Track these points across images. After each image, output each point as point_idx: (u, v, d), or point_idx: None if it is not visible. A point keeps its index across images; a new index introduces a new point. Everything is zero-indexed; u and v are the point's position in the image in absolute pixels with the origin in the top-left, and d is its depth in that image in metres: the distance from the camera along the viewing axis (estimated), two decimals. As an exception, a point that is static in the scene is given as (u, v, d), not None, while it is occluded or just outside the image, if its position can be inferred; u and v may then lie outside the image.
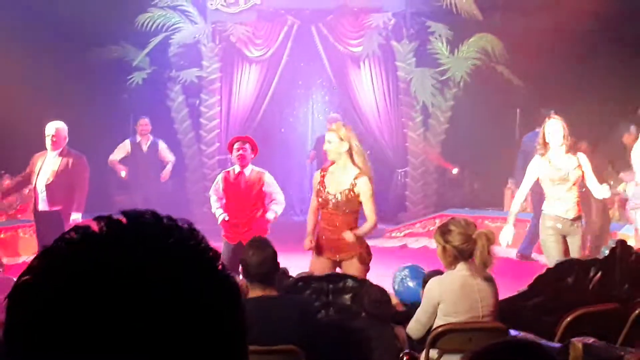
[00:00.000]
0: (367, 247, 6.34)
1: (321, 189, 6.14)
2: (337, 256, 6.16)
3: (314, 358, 4.15)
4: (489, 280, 4.73)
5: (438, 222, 12.32)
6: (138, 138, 11.37)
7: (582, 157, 7.04)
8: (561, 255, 6.80)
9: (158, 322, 0.83)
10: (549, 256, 7.01)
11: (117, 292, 0.83)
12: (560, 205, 6.98)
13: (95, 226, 0.90)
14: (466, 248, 4.64)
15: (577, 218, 7.03)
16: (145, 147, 11.36)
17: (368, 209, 6.18)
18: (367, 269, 6.18)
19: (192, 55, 13.26)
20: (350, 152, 6.16)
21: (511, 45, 12.56)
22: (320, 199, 6.16)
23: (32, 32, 11.39)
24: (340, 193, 6.08)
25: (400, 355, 4.17)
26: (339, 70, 13.39)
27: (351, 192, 6.09)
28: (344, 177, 6.13)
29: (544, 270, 5.74)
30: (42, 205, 8.37)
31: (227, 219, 7.40)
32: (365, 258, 6.23)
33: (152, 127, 11.63)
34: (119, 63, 12.87)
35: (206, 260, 0.91)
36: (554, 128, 7.02)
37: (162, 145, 11.41)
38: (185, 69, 13.21)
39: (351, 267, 6.06)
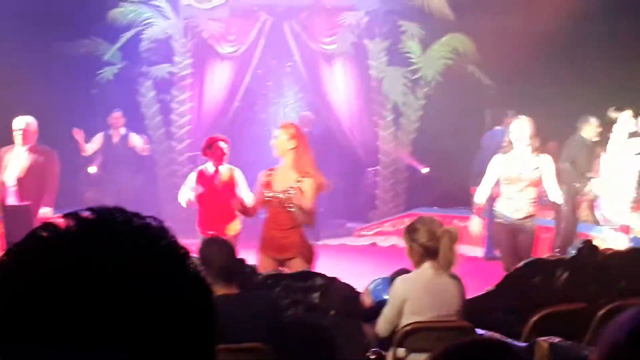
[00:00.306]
0: (310, 246, 6.39)
1: (265, 188, 6.17)
2: (282, 255, 6.18)
3: (281, 356, 4.14)
4: (455, 279, 4.76)
5: (407, 221, 12.32)
6: (110, 131, 11.33)
7: (546, 159, 7.14)
8: (510, 250, 7.09)
9: (125, 320, 0.82)
10: (503, 255, 7.34)
11: (84, 291, 0.82)
12: (510, 204, 7.11)
13: (64, 223, 0.89)
14: (432, 245, 4.68)
15: (527, 218, 7.13)
16: (116, 140, 11.32)
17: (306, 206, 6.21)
18: (311, 268, 6.20)
19: (163, 51, 13.18)
20: (297, 151, 6.19)
21: (482, 45, 12.64)
22: (266, 197, 6.17)
23: (0, 26, 11.25)
24: (285, 191, 6.13)
25: (368, 353, 4.18)
26: (311, 68, 13.38)
27: (296, 191, 6.13)
28: (290, 176, 6.19)
29: (511, 270, 5.78)
30: (11, 200, 8.29)
31: (192, 199, 7.40)
32: (309, 256, 6.27)
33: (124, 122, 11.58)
34: (90, 58, 12.76)
35: (176, 258, 0.91)
36: (521, 128, 7.10)
37: (133, 137, 11.36)
38: (156, 65, 13.12)
39: (295, 265, 6.08)
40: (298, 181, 6.14)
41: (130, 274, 0.84)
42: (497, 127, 10.57)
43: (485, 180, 7.28)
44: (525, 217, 7.12)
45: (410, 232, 4.79)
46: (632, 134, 7.95)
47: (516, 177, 7.06)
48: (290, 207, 6.12)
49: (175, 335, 0.85)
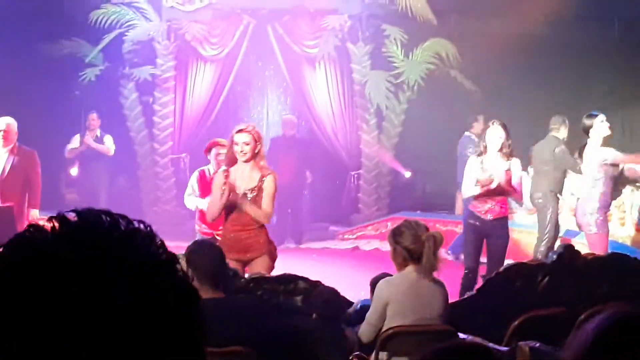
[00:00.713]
0: (274, 244, 6.42)
1: (225, 188, 6.10)
2: (247, 255, 6.17)
3: (264, 359, 4.14)
4: (438, 283, 4.77)
5: (390, 225, 12.39)
6: (87, 133, 11.35)
7: (515, 163, 7.43)
8: (477, 254, 7.52)
9: (110, 325, 0.82)
10: (466, 253, 7.74)
11: (68, 295, 0.82)
12: (481, 206, 7.40)
13: (50, 226, 0.88)
14: (415, 249, 4.70)
15: (499, 219, 7.37)
16: (92, 143, 11.36)
17: (266, 203, 6.19)
18: (273, 267, 6.21)
19: (146, 53, 13.13)
20: (259, 153, 6.20)
21: (465, 50, 12.69)
22: (228, 201, 6.12)
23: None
24: (249, 191, 6.12)
25: (350, 357, 4.18)
26: (294, 71, 13.37)
27: (259, 190, 6.14)
28: (253, 176, 6.18)
29: (492, 275, 5.81)
30: None
31: (199, 206, 7.37)
32: (274, 254, 6.30)
33: (104, 124, 11.57)
34: (72, 59, 12.70)
35: (163, 263, 0.91)
36: (495, 134, 7.39)
37: (107, 138, 11.40)
38: (139, 67, 13.07)
39: (261, 264, 6.10)
40: (262, 180, 6.14)
41: (116, 279, 0.84)
42: (466, 133, 10.70)
43: (466, 181, 7.53)
44: (495, 219, 7.36)
45: (395, 234, 4.82)
46: (606, 139, 8.04)
47: (488, 178, 7.29)
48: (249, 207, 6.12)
49: (162, 340, 0.85)
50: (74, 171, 11.60)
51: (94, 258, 0.84)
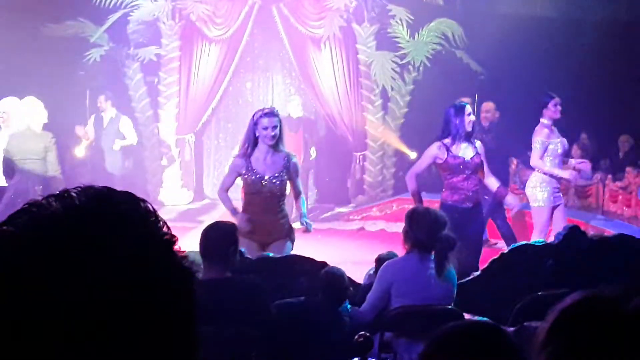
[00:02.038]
0: (293, 227, 6.39)
1: (250, 174, 6.08)
2: (270, 238, 6.14)
3: (268, 339, 4.15)
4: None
5: (395, 206, 12.39)
6: (101, 113, 11.46)
7: (480, 145, 7.04)
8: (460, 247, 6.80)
9: (102, 302, 0.82)
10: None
11: (62, 271, 0.82)
12: (457, 194, 6.91)
13: (50, 202, 0.88)
14: (425, 242, 4.67)
15: (476, 206, 6.97)
16: (105, 123, 11.41)
17: (299, 185, 6.27)
18: (292, 248, 6.21)
19: (151, 33, 13.11)
20: (282, 136, 6.15)
21: (471, 30, 12.63)
22: (250, 184, 6.09)
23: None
24: (276, 176, 6.07)
25: (355, 337, 4.19)
26: (299, 52, 13.33)
27: (286, 174, 6.10)
28: (275, 160, 6.11)
29: (497, 255, 5.81)
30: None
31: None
32: (294, 238, 6.29)
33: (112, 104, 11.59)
34: (76, 39, 12.67)
35: (160, 242, 0.91)
36: (471, 113, 7.02)
37: (124, 122, 11.44)
38: (143, 47, 13.05)
39: (283, 247, 6.08)
40: (286, 163, 6.10)
41: (112, 256, 0.84)
42: None
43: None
44: (473, 206, 6.95)
45: (412, 218, 4.75)
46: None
47: (460, 165, 6.89)
48: (279, 192, 6.11)
49: (153, 319, 0.85)
50: (78, 151, 11.61)
51: (92, 235, 0.85)
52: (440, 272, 4.64)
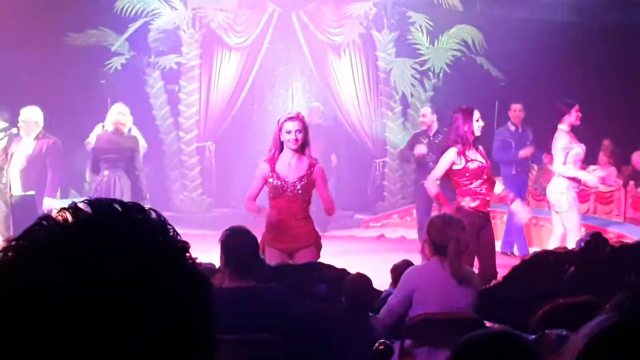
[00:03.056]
0: (319, 234, 6.36)
1: (275, 178, 6.08)
2: (295, 245, 6.10)
3: (289, 347, 4.15)
4: (468, 272, 4.78)
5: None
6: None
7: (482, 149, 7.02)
8: (477, 252, 6.63)
9: (117, 314, 0.83)
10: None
11: (75, 287, 0.82)
12: (474, 199, 6.84)
13: (62, 216, 0.89)
14: (440, 245, 4.70)
15: (489, 211, 6.97)
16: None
17: (326, 192, 6.23)
18: (319, 257, 6.17)
19: (171, 41, 13.18)
20: (307, 141, 6.15)
21: (491, 36, 12.60)
22: (274, 189, 6.10)
23: (10, 17, 11.26)
24: (299, 180, 6.07)
25: (376, 344, 4.18)
26: (319, 59, 13.35)
27: (309, 179, 6.09)
28: (300, 165, 6.11)
29: (519, 262, 5.78)
30: (16, 190, 8.34)
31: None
32: (320, 244, 6.24)
33: (130, 113, 11.58)
34: (97, 48, 12.76)
35: (172, 252, 0.91)
36: (479, 118, 6.97)
37: (134, 131, 11.40)
38: (164, 55, 13.12)
39: (307, 255, 6.03)
40: (310, 169, 6.10)
41: (124, 268, 0.84)
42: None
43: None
44: (489, 210, 6.96)
45: (429, 223, 4.88)
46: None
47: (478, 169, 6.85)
48: (304, 198, 6.11)
49: (169, 329, 0.86)
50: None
51: (105, 248, 0.85)
52: (456, 273, 4.64)
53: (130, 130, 9.49)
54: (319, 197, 6.32)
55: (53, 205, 8.41)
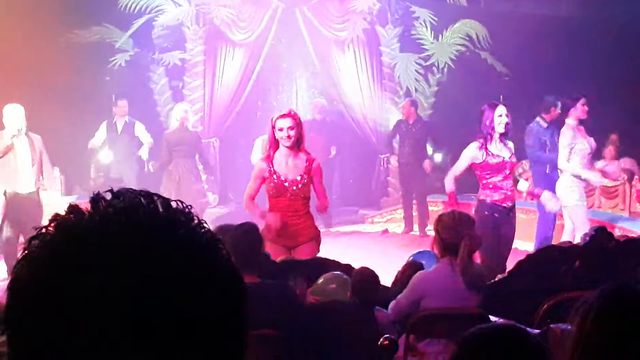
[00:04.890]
0: (319, 230, 6.43)
1: (274, 177, 6.09)
2: (296, 241, 6.14)
3: (295, 343, 4.15)
4: (479, 273, 4.75)
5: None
6: (114, 119, 11.41)
7: (512, 146, 7.08)
8: (495, 247, 6.72)
9: (156, 309, 0.82)
10: (491, 255, 6.67)
11: (111, 280, 0.82)
12: (498, 193, 6.94)
13: (88, 208, 0.88)
14: (451, 243, 4.63)
15: (512, 206, 7.03)
16: (119, 129, 11.41)
17: (321, 187, 6.23)
18: (319, 252, 6.20)
19: (175, 38, 13.18)
20: (302, 138, 6.15)
21: (495, 31, 12.58)
22: (275, 188, 6.10)
23: (13, 14, 11.27)
24: (298, 178, 6.08)
25: (381, 339, 4.18)
26: (323, 55, 13.34)
27: (308, 176, 6.11)
28: (297, 163, 6.13)
29: (524, 257, 5.78)
30: (21, 188, 8.35)
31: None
32: (319, 240, 6.29)
33: (135, 110, 11.62)
34: (102, 45, 12.77)
35: (209, 245, 0.90)
36: (505, 113, 7.00)
37: (139, 127, 11.44)
38: (168, 52, 13.13)
39: (308, 250, 6.07)
40: (308, 166, 6.11)
41: (158, 262, 0.83)
42: (537, 118, 9.95)
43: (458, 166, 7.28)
44: (512, 206, 7.02)
45: (438, 222, 4.76)
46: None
47: (499, 163, 6.96)
48: (303, 195, 6.11)
49: (205, 324, 0.85)
50: (104, 157, 11.68)
51: (136, 241, 0.84)
52: (466, 272, 4.61)
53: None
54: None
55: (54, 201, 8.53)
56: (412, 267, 5.17)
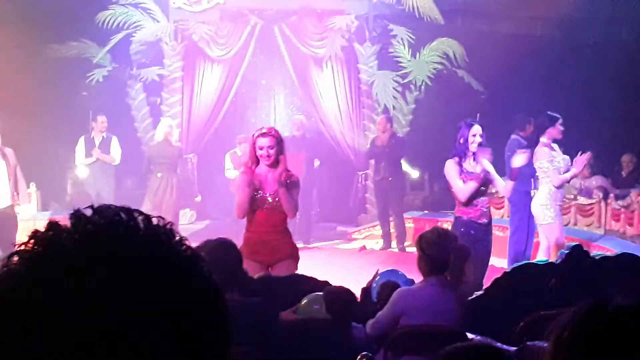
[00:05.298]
0: (296, 246, 6.39)
1: (254, 193, 6.05)
2: (273, 257, 6.08)
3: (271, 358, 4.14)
4: (461, 296, 4.73)
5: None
6: (92, 134, 11.39)
7: (487, 163, 7.09)
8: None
9: (135, 327, 0.82)
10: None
11: (93, 296, 0.81)
12: (473, 210, 7.00)
13: (68, 224, 0.88)
14: (440, 260, 4.56)
15: (489, 223, 7.09)
16: (97, 143, 11.39)
17: (294, 197, 6.15)
18: (297, 269, 6.15)
19: (153, 54, 13.18)
20: (282, 155, 6.13)
21: (472, 49, 12.68)
22: (253, 201, 6.05)
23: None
24: (277, 192, 6.06)
25: (359, 357, 4.17)
26: (301, 72, 13.38)
27: (285, 190, 6.08)
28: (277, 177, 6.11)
29: (500, 274, 5.80)
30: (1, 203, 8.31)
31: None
32: (298, 257, 6.25)
33: (112, 125, 11.61)
34: (79, 60, 12.74)
35: (187, 262, 0.90)
36: (479, 133, 7.08)
37: (114, 142, 11.45)
38: (146, 67, 13.12)
39: (286, 267, 6.02)
40: (288, 180, 6.10)
41: (139, 279, 0.83)
42: (513, 136, 9.79)
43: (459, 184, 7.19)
44: (488, 223, 7.07)
45: (422, 241, 4.63)
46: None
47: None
48: (281, 209, 6.10)
49: (187, 340, 0.85)
50: (81, 172, 11.61)
51: (117, 258, 0.84)
52: (457, 286, 4.59)
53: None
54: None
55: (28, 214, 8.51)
56: (388, 287, 5.13)
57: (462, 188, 7.03)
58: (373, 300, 5.16)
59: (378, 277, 5.54)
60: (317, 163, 12.18)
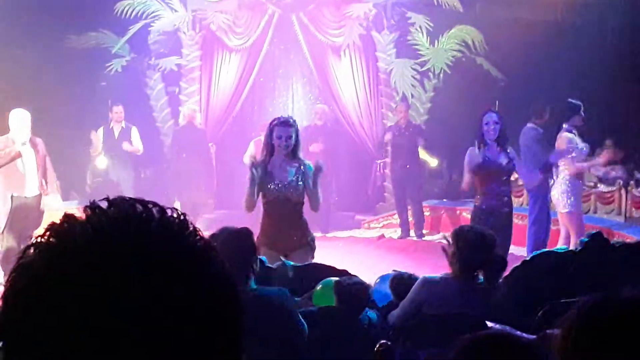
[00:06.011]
0: (313, 235, 6.37)
1: (267, 180, 6.04)
2: (290, 246, 6.09)
3: (287, 350, 4.14)
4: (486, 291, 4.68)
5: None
6: (111, 125, 11.44)
7: (512, 151, 7.18)
8: None
9: (150, 318, 0.82)
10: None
11: (108, 288, 0.81)
12: (494, 199, 7.04)
13: (86, 216, 0.88)
14: (474, 265, 4.43)
15: (510, 213, 7.11)
16: (116, 134, 11.44)
17: (317, 189, 6.13)
18: (313, 258, 6.15)
19: (172, 43, 13.20)
20: (298, 144, 6.13)
21: (491, 37, 12.60)
22: (267, 190, 6.07)
23: (9, 19, 11.27)
24: (292, 182, 6.04)
25: (377, 345, 4.16)
26: (319, 60, 13.35)
27: (301, 180, 6.07)
28: (293, 167, 6.10)
29: (519, 263, 5.77)
30: (28, 192, 8.36)
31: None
32: (314, 245, 6.24)
33: (131, 115, 11.64)
34: (98, 50, 12.79)
35: (201, 253, 0.90)
36: (492, 121, 7.10)
37: (134, 132, 11.48)
38: (164, 57, 13.14)
39: (302, 255, 6.02)
40: (302, 169, 6.08)
41: (153, 270, 0.83)
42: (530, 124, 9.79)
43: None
44: (510, 212, 7.15)
45: (459, 237, 4.44)
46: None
47: (498, 170, 7.10)
48: (298, 200, 6.09)
49: (200, 331, 0.85)
50: (100, 162, 11.67)
51: (132, 250, 0.84)
52: (488, 293, 4.52)
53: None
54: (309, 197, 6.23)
55: (58, 203, 8.56)
56: (403, 280, 5.05)
57: (466, 180, 7.23)
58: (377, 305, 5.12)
59: (378, 280, 5.52)
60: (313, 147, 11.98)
